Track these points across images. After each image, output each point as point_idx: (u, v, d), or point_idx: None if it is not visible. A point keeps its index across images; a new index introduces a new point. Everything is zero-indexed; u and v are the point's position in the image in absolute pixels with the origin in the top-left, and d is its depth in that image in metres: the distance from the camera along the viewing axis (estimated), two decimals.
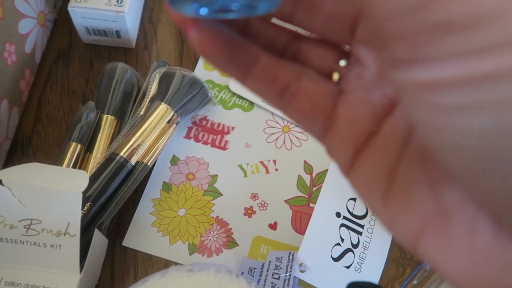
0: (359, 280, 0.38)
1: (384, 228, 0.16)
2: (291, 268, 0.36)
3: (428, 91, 0.11)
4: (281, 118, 0.46)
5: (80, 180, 0.33)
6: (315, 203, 0.41)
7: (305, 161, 0.44)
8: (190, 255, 0.40)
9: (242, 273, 0.38)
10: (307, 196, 0.43)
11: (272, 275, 0.36)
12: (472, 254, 0.14)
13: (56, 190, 0.32)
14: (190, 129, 0.46)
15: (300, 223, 0.42)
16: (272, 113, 0.46)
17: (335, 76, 0.17)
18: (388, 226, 0.16)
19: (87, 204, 0.37)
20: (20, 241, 0.33)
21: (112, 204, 0.38)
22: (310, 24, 0.17)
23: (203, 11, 0.14)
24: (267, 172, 0.44)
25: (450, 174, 0.13)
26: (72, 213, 0.32)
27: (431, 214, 0.14)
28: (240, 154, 0.45)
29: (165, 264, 0.40)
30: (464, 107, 0.10)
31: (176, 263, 0.40)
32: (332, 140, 0.17)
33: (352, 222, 0.41)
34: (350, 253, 0.40)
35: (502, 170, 0.11)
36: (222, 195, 0.43)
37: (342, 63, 0.17)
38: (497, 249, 0.13)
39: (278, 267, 0.37)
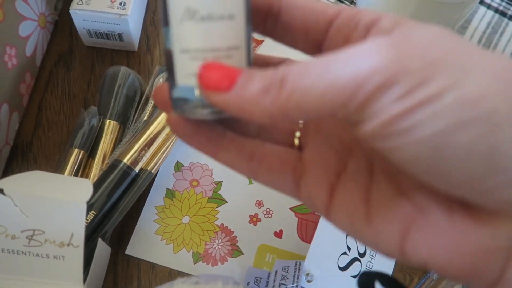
0: (372, 270, 0.37)
1: (372, 247, 0.18)
2: (298, 278, 0.36)
3: (383, 128, 0.14)
4: None
5: (84, 189, 0.32)
6: None
7: None
8: (194, 263, 0.40)
9: (248, 283, 0.37)
10: None
11: (279, 285, 0.35)
12: (455, 235, 0.16)
13: (59, 200, 0.31)
14: None
15: (306, 231, 0.41)
16: None
17: (297, 134, 0.21)
18: (375, 243, 0.18)
19: (91, 213, 0.36)
20: (22, 252, 0.32)
21: (116, 213, 0.37)
22: None
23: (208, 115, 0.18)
24: None
25: (414, 178, 0.16)
26: (76, 223, 0.32)
27: (410, 215, 0.17)
28: None
29: (169, 273, 0.39)
30: (412, 126, 0.14)
31: (180, 272, 0.39)
32: (306, 186, 0.19)
33: None
34: (357, 262, 0.39)
35: (449, 160, 0.14)
36: (226, 202, 0.42)
37: (300, 124, 0.21)
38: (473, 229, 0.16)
39: (285, 277, 0.36)
